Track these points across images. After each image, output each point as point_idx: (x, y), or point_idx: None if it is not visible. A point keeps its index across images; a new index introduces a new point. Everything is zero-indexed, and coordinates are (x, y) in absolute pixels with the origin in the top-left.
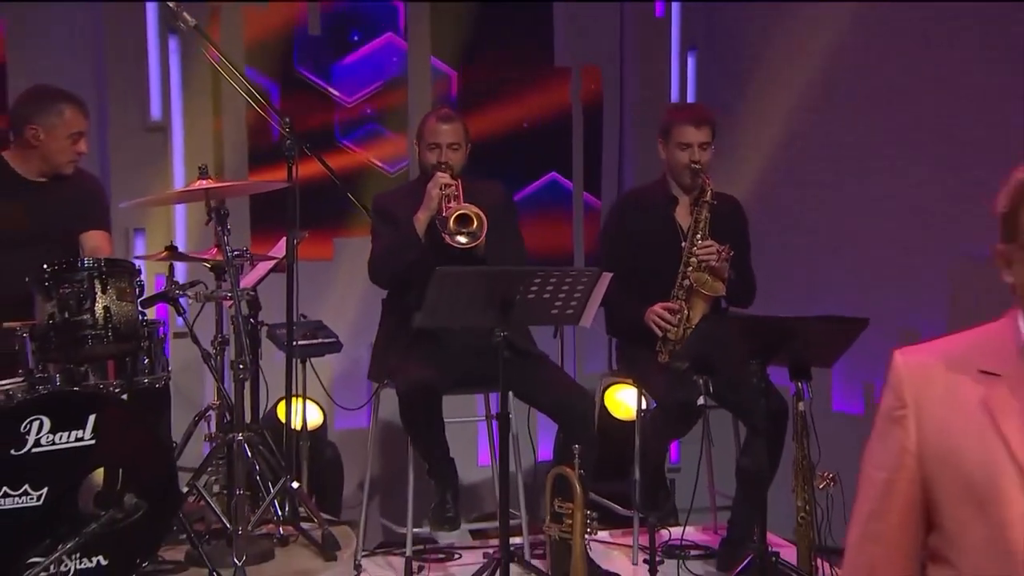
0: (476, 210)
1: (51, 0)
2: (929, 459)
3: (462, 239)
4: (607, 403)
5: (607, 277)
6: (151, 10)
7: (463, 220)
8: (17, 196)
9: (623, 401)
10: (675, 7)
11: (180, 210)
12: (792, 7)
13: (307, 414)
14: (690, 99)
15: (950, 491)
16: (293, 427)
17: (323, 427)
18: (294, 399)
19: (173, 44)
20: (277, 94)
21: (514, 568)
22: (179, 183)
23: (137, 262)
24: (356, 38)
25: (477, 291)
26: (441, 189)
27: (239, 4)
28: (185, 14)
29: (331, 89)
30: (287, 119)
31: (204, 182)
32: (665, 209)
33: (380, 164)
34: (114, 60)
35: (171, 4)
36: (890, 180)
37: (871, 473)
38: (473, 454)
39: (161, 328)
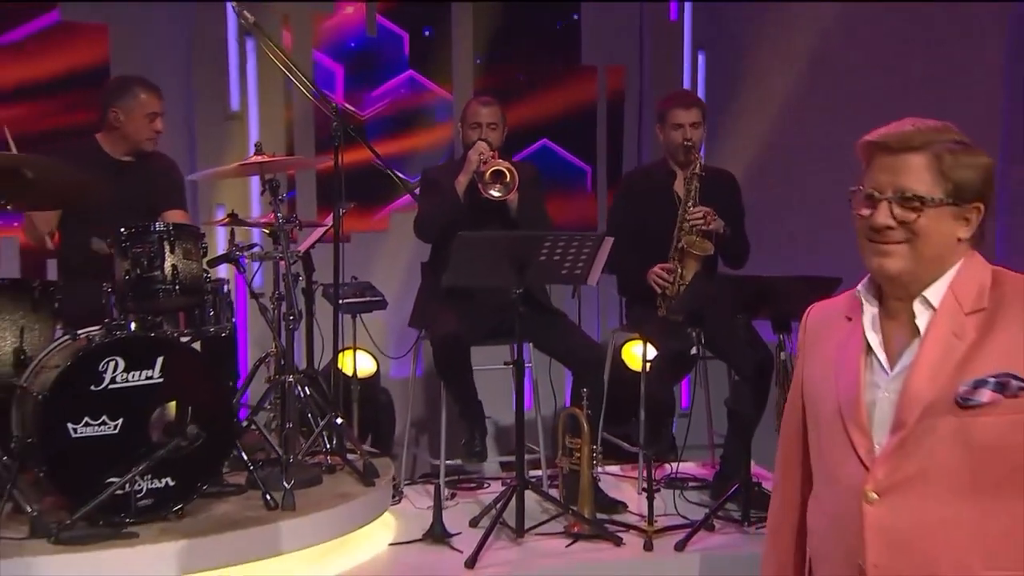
0: (508, 165)
1: (148, 0)
2: (804, 390)
3: (495, 192)
4: (624, 357)
5: (609, 241)
6: (231, 14)
7: (497, 175)
8: (106, 173)
9: (637, 355)
10: (687, 12)
11: (256, 188)
12: (784, 11)
13: (359, 363)
14: (700, 94)
15: (809, 417)
16: (345, 373)
17: (376, 375)
18: (349, 351)
19: (250, 44)
20: (342, 75)
21: (530, 495)
22: None
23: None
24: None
25: (494, 253)
26: (480, 155)
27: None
28: (246, 12)
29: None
30: (334, 105)
31: (258, 157)
32: (664, 183)
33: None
34: (199, 58)
35: (234, 4)
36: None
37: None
38: (509, 399)
39: (225, 285)
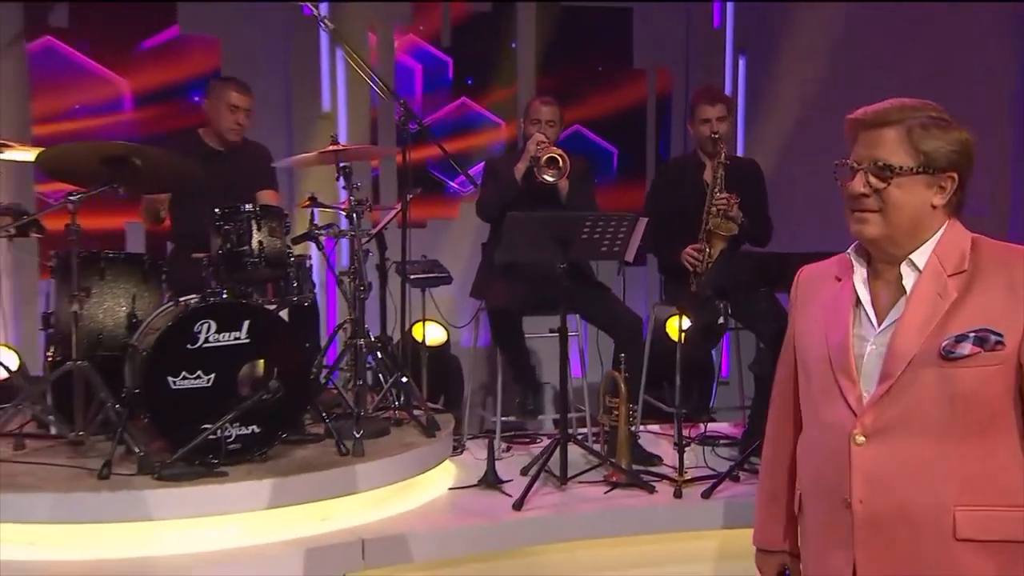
0: (562, 153)
1: None
2: (796, 343)
3: (549, 176)
4: (667, 329)
5: (643, 221)
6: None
7: (552, 161)
8: (205, 161)
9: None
10: (730, 18)
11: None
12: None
13: (431, 333)
14: (740, 94)
15: (800, 367)
16: (417, 340)
17: (447, 344)
18: (422, 322)
19: (340, 53)
20: (420, 74)
21: (575, 448)
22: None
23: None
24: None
25: (540, 232)
26: (537, 144)
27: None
28: (326, 19)
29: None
30: (404, 101)
31: (332, 147)
32: (694, 172)
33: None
34: (296, 66)
35: (316, 13)
36: None
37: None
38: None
39: (307, 260)
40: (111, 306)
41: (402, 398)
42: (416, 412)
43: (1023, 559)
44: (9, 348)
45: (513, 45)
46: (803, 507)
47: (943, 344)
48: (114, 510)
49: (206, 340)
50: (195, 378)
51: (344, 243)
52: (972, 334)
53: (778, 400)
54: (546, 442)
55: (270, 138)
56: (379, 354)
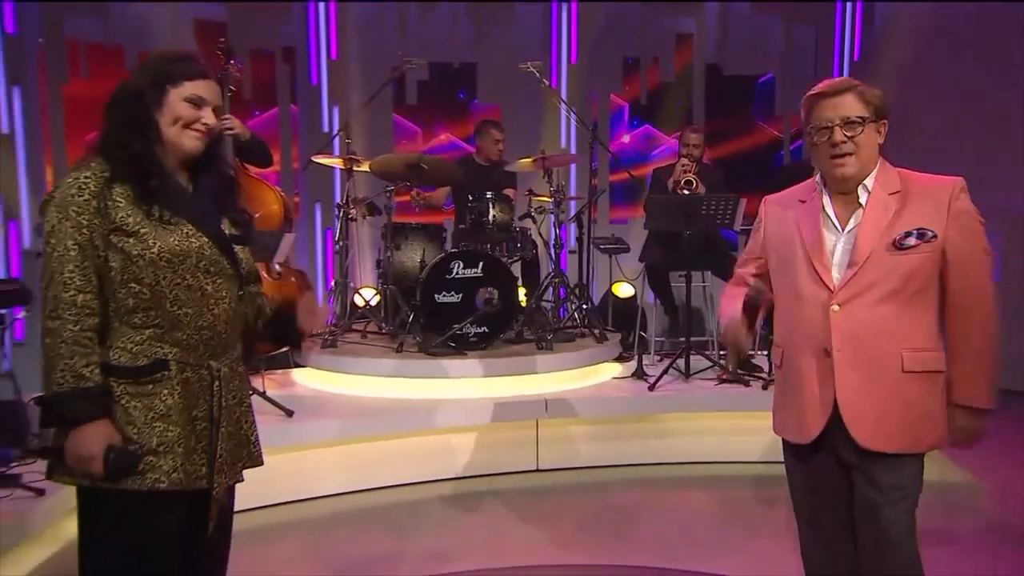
0: (696, 179)
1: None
2: (766, 245)
3: (686, 191)
4: None
5: (743, 200)
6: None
7: (688, 183)
8: (474, 172)
9: None
10: (846, 71)
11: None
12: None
13: (623, 289)
14: None
15: (774, 263)
16: (613, 293)
17: (635, 297)
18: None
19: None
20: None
21: (701, 357)
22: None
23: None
24: None
25: (672, 209)
26: (683, 166)
27: None
28: (544, 81)
29: None
30: (591, 129)
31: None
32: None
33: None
34: (546, 110)
35: (532, 70)
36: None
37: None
38: (707, 306)
39: (529, 231)
40: (410, 255)
41: (586, 320)
42: (595, 330)
43: (938, 383)
44: (370, 288)
45: (679, 103)
46: (785, 359)
47: (895, 239)
48: (404, 369)
49: (457, 273)
50: (450, 296)
51: (551, 219)
52: (915, 231)
53: (742, 262)
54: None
55: (518, 152)
56: (577, 291)
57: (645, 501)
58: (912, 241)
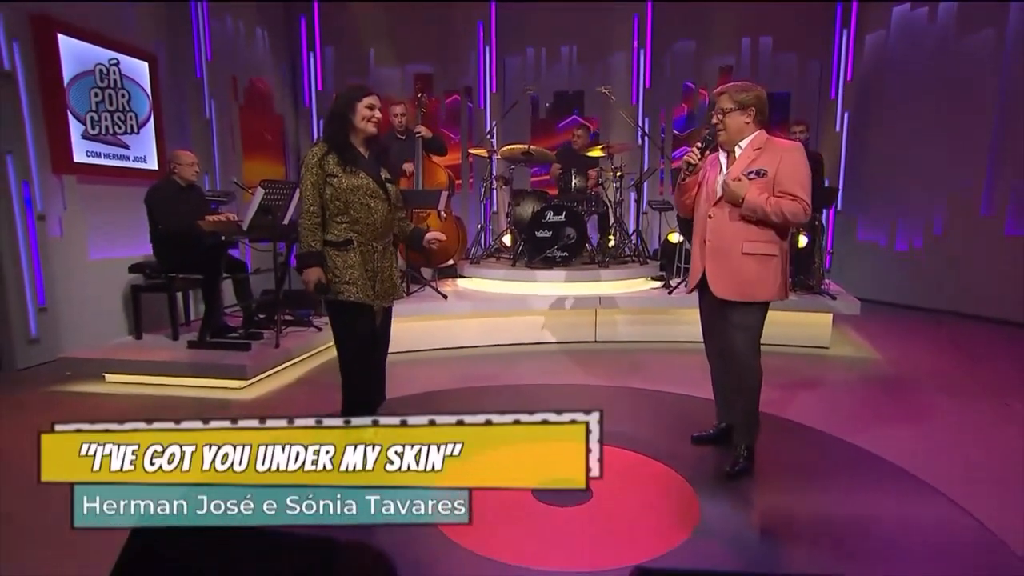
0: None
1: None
2: (700, 180)
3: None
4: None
5: None
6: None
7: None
8: (568, 157)
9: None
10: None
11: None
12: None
13: (674, 236)
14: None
15: (700, 191)
16: (669, 240)
17: (681, 243)
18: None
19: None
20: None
21: None
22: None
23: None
24: None
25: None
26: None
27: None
28: (603, 90)
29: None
30: (644, 133)
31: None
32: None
33: None
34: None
35: (605, 91)
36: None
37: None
38: None
39: (603, 194)
40: (525, 208)
41: (635, 251)
42: (638, 258)
43: (768, 263)
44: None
45: None
46: (692, 243)
47: (746, 173)
48: (515, 276)
49: (549, 219)
50: (544, 232)
51: (613, 187)
52: (756, 170)
53: (679, 186)
54: None
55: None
56: (629, 231)
57: (659, 360)
58: (752, 176)
